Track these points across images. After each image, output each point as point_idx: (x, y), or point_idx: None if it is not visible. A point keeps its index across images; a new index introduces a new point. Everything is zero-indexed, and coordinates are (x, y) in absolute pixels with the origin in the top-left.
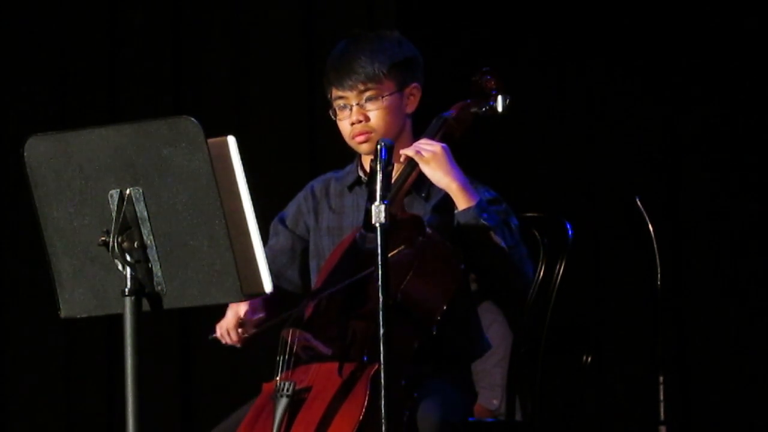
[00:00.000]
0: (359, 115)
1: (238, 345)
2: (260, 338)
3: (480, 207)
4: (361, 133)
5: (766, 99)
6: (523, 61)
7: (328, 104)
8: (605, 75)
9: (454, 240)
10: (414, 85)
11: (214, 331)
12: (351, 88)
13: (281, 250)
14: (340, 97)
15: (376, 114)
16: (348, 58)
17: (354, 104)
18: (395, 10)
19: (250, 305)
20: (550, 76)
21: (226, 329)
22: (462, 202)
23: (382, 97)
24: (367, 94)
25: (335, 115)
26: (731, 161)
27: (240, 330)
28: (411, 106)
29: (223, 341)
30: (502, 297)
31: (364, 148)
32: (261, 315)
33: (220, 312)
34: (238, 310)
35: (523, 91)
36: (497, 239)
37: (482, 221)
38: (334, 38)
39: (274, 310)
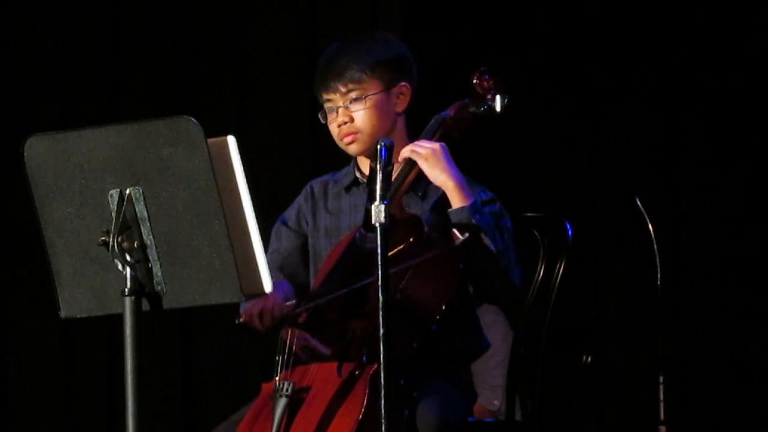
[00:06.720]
0: (345, 117)
1: (263, 330)
2: (263, 336)
3: (473, 207)
4: (347, 134)
5: (766, 98)
6: (523, 61)
7: (320, 109)
8: (605, 74)
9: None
10: (403, 84)
11: (238, 315)
12: (335, 91)
13: (290, 250)
14: (327, 100)
15: (361, 114)
16: (332, 62)
17: (340, 106)
18: (398, 10)
19: (280, 290)
20: (549, 75)
21: (259, 312)
22: (457, 200)
23: (366, 97)
24: (352, 95)
25: (325, 119)
26: (731, 161)
27: (272, 314)
28: (401, 105)
29: (251, 325)
30: (487, 299)
31: (352, 148)
32: (291, 301)
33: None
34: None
35: (523, 90)
36: (487, 241)
37: (473, 222)
38: (336, 38)
39: (302, 295)
